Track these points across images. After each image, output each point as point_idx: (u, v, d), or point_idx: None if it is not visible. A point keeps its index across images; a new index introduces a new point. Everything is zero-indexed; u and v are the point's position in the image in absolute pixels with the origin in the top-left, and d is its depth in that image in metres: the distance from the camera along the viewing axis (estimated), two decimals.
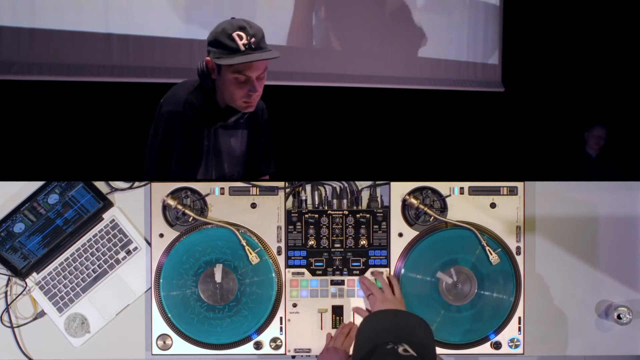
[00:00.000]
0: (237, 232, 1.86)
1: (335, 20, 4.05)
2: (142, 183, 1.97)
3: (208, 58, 1.79)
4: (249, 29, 1.74)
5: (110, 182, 1.97)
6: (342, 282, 1.89)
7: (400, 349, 1.33)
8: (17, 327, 1.93)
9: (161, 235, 1.89)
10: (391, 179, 1.93)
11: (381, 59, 4.30)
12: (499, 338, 1.88)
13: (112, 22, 3.16)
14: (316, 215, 1.89)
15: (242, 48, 1.72)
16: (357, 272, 1.89)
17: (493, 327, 1.88)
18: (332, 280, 1.89)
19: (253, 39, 1.73)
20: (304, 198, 1.92)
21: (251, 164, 2.03)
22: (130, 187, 1.97)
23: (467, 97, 4.75)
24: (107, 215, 1.96)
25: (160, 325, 1.87)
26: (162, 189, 1.89)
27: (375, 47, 4.26)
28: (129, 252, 1.95)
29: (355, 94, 4.16)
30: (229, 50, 1.73)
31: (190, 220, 1.88)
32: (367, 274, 1.89)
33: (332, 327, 1.88)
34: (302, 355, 1.88)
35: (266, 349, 1.87)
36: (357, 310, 1.88)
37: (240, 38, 1.72)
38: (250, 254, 1.85)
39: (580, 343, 1.95)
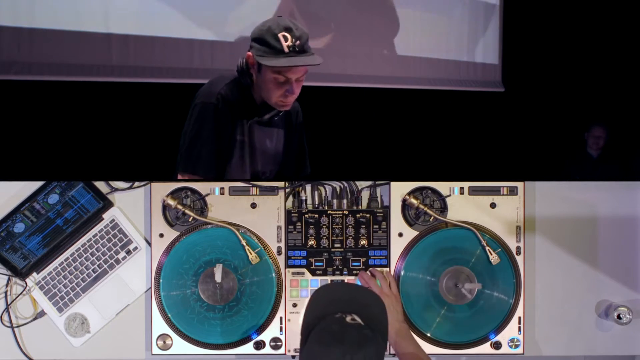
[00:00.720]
0: (237, 232, 1.86)
1: (334, 21, 4.05)
2: (142, 183, 1.97)
3: (249, 53, 1.78)
4: (295, 30, 1.72)
5: (110, 182, 1.97)
6: None
7: (348, 318, 1.33)
8: (17, 327, 1.93)
9: (161, 235, 1.89)
10: (391, 179, 1.93)
11: (381, 58, 4.30)
12: (499, 338, 1.88)
13: (112, 22, 3.16)
14: (316, 215, 1.89)
15: (286, 50, 1.71)
16: (357, 272, 1.89)
17: (493, 327, 1.88)
18: (332, 280, 1.89)
19: (298, 42, 1.72)
20: (304, 198, 1.92)
21: (285, 164, 2.02)
22: (130, 187, 1.97)
23: (467, 97, 4.75)
24: (107, 215, 1.96)
25: (160, 325, 1.87)
26: (162, 189, 1.89)
27: (374, 47, 4.26)
28: (129, 252, 1.95)
29: (355, 94, 4.15)
30: (273, 50, 1.72)
31: (190, 220, 1.88)
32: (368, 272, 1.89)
33: None
34: None
35: (266, 349, 1.87)
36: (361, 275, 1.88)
37: (286, 39, 1.71)
38: (250, 254, 1.85)
39: (580, 343, 1.95)
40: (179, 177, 1.85)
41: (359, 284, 1.87)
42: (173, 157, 2.07)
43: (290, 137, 2.01)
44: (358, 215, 1.90)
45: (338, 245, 1.90)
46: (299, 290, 1.89)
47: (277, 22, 1.74)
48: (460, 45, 4.74)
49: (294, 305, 1.88)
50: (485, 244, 1.87)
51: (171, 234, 1.89)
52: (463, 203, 1.90)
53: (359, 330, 1.31)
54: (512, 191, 1.90)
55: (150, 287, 1.88)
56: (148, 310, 1.91)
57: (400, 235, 1.90)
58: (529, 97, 4.86)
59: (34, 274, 1.93)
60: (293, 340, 1.88)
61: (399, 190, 1.90)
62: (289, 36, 1.71)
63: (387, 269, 1.89)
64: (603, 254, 1.96)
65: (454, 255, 1.88)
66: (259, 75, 1.80)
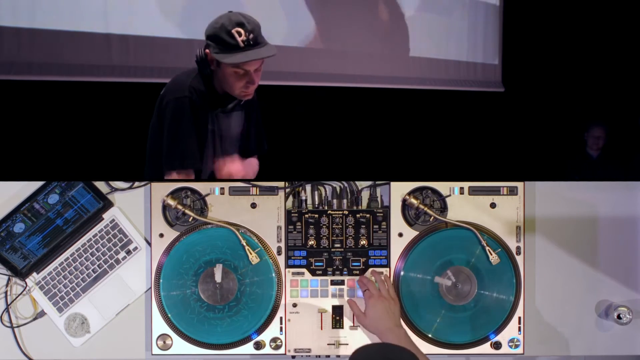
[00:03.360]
0: (237, 232, 1.86)
1: (335, 21, 4.05)
2: (142, 183, 1.97)
3: (207, 50, 1.83)
4: (247, 24, 1.78)
5: (110, 182, 1.97)
6: (342, 282, 1.89)
7: None
8: (17, 327, 1.93)
9: (161, 235, 1.89)
10: (391, 179, 1.93)
11: (381, 59, 4.30)
12: (499, 338, 1.88)
13: (112, 22, 3.16)
14: (316, 215, 1.89)
15: (242, 45, 1.77)
16: (357, 272, 1.89)
17: (493, 327, 1.88)
18: (332, 280, 1.89)
19: (251, 35, 1.78)
20: (304, 198, 1.92)
21: (245, 143, 2.07)
22: (130, 187, 1.97)
23: (467, 97, 4.75)
24: (107, 215, 1.96)
25: (160, 325, 1.87)
26: (162, 189, 1.89)
27: (375, 47, 4.26)
28: (129, 252, 1.95)
29: (355, 94, 4.16)
30: (228, 46, 1.78)
31: (190, 220, 1.88)
32: (367, 274, 1.89)
33: (332, 327, 1.88)
34: (302, 355, 1.88)
35: (266, 349, 1.87)
36: (350, 302, 1.87)
37: (239, 35, 1.77)
38: (250, 254, 1.85)
39: (580, 343, 1.95)
40: (167, 177, 1.87)
41: (359, 291, 1.87)
42: None
43: (249, 118, 2.06)
44: (358, 215, 1.90)
45: (338, 245, 1.90)
46: (299, 290, 1.89)
47: (228, 17, 1.79)
48: (460, 45, 4.75)
49: (294, 305, 1.89)
50: (485, 244, 1.87)
51: (171, 234, 1.89)
52: (463, 203, 1.90)
53: None
54: (512, 191, 1.90)
55: (150, 287, 1.88)
56: (148, 310, 1.91)
57: (400, 235, 1.90)
58: (529, 97, 4.87)
59: (34, 274, 1.93)
60: (293, 340, 1.88)
61: (399, 190, 1.90)
62: (242, 31, 1.77)
63: (386, 270, 1.89)
64: (603, 254, 1.96)
65: (454, 256, 1.88)
66: (219, 70, 1.85)
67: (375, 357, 1.44)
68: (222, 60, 1.78)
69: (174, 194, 1.89)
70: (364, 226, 1.90)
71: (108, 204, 1.95)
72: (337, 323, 1.88)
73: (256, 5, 3.56)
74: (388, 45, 4.34)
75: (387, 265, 1.89)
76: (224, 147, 1.96)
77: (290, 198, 1.93)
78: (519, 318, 1.88)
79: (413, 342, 1.78)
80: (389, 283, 1.86)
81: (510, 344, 1.88)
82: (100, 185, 1.96)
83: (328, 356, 1.88)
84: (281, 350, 1.87)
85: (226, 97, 1.93)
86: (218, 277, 1.84)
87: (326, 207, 1.91)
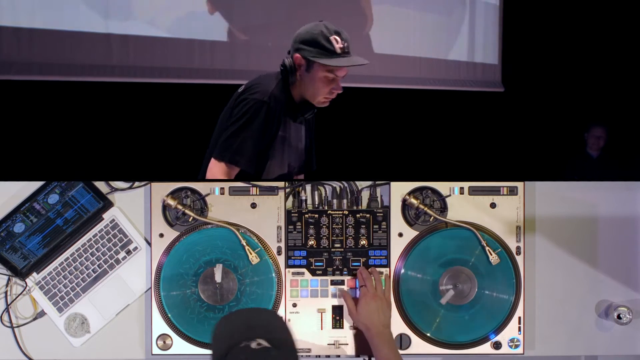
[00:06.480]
0: (237, 232, 1.86)
1: (334, 21, 4.05)
2: (142, 183, 1.97)
3: (298, 55, 1.89)
4: (342, 34, 1.90)
5: (110, 182, 1.97)
6: (342, 282, 1.89)
7: (253, 344, 1.31)
8: (17, 327, 1.93)
9: (161, 235, 1.89)
10: (391, 179, 1.93)
11: (381, 58, 4.30)
12: (499, 338, 1.88)
13: (112, 22, 3.16)
14: (316, 215, 1.89)
15: (339, 51, 1.88)
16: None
17: (493, 327, 1.88)
18: (332, 280, 1.89)
19: (346, 44, 1.90)
20: (304, 198, 1.92)
21: (308, 159, 2.14)
22: (130, 187, 1.97)
23: (467, 97, 4.75)
24: (107, 215, 1.96)
25: (160, 325, 1.87)
26: (162, 189, 1.89)
27: (375, 47, 4.26)
28: (129, 252, 1.95)
29: (355, 94, 4.15)
30: (327, 51, 1.88)
31: (190, 220, 1.88)
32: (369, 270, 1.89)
33: (332, 327, 1.88)
34: (302, 356, 1.88)
35: None
36: (344, 293, 1.88)
37: (337, 42, 1.88)
38: (250, 254, 1.85)
39: (580, 343, 1.95)
40: (212, 165, 1.88)
41: (357, 283, 1.88)
42: (173, 157, 2.08)
43: (308, 134, 2.12)
44: (358, 215, 1.90)
45: (338, 245, 1.90)
46: (299, 290, 1.89)
47: (325, 26, 1.90)
48: (460, 45, 4.75)
49: (294, 305, 1.89)
50: (485, 244, 1.87)
51: (171, 234, 1.89)
52: (463, 203, 1.90)
53: (266, 353, 1.30)
54: (512, 191, 1.90)
55: (150, 287, 1.88)
56: (148, 310, 1.91)
57: (400, 235, 1.90)
58: (529, 97, 4.86)
59: (34, 274, 1.93)
60: None
61: (399, 190, 1.90)
62: (339, 39, 1.88)
63: (386, 270, 1.89)
64: (603, 254, 1.96)
65: (454, 256, 1.88)
66: (307, 75, 1.93)
67: (241, 325, 1.42)
68: (322, 62, 1.87)
69: (174, 194, 1.89)
70: (364, 226, 1.90)
71: (108, 204, 1.96)
72: (337, 323, 1.89)
73: (259, 3, 3.57)
74: (387, 45, 4.34)
75: (387, 265, 1.89)
76: (290, 156, 2.01)
77: (290, 198, 1.93)
78: (519, 318, 1.88)
79: (396, 346, 1.79)
80: (387, 284, 1.86)
81: (510, 344, 1.88)
82: (100, 185, 1.96)
83: (328, 356, 1.88)
84: None
85: (302, 106, 1.99)
86: (218, 277, 1.84)
87: (326, 207, 1.91)
